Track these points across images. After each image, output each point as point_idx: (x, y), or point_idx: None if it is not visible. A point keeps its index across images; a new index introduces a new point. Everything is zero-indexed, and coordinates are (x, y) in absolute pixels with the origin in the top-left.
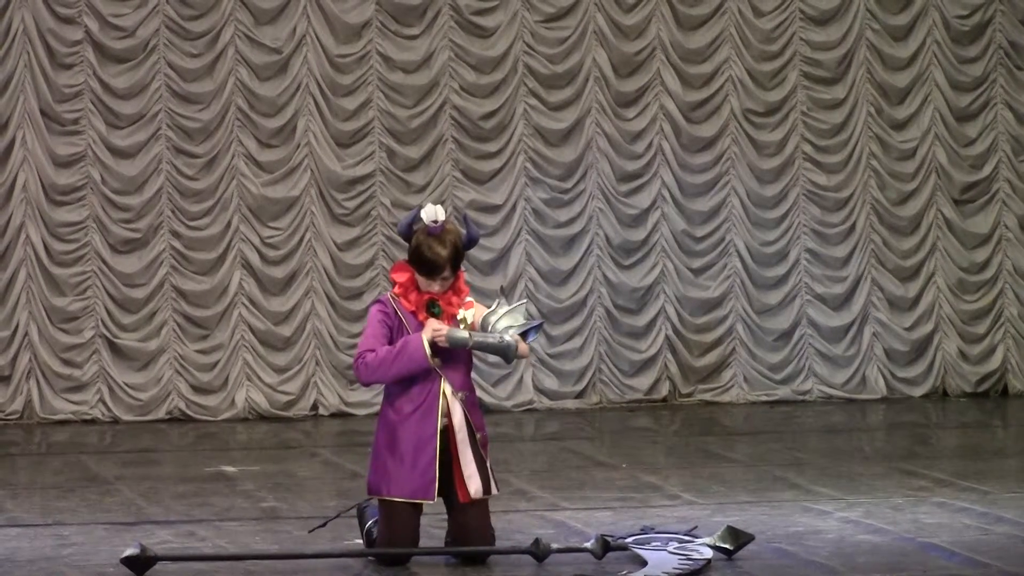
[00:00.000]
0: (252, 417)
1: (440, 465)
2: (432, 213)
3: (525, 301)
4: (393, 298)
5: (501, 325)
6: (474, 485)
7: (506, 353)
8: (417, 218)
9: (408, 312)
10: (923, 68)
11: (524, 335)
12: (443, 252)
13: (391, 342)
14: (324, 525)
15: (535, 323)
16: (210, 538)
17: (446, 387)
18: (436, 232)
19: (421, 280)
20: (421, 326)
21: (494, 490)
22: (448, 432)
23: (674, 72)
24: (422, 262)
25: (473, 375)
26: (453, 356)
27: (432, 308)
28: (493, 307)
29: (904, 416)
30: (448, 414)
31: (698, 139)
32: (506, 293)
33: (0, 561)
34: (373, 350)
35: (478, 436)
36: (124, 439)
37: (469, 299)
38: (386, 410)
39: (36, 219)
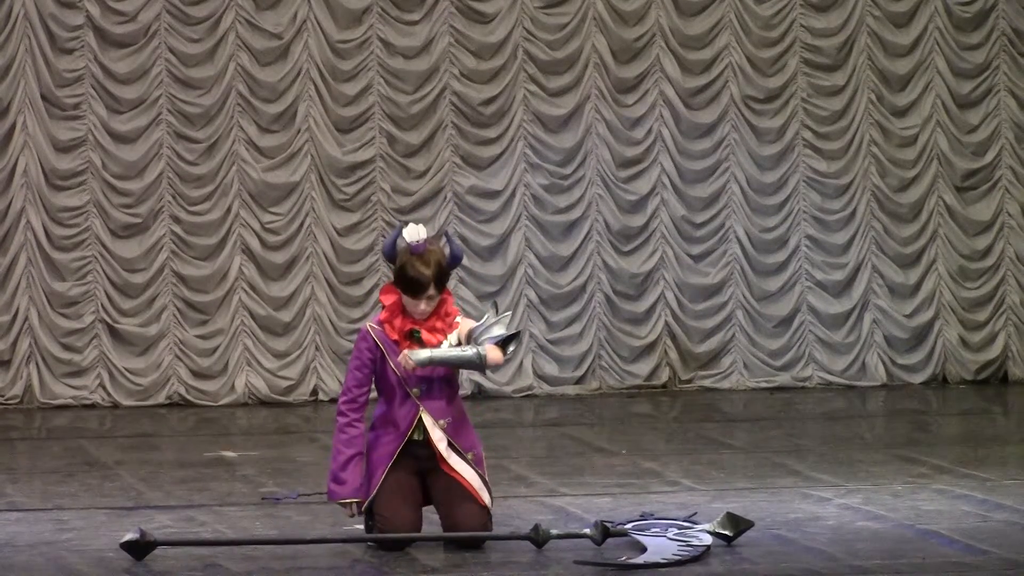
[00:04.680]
0: (252, 402)
1: (422, 487)
2: (414, 233)
3: (508, 313)
4: (376, 327)
5: (483, 339)
6: (456, 463)
7: (473, 364)
8: (400, 238)
9: (391, 341)
10: (924, 55)
11: (504, 344)
12: (426, 271)
13: (375, 373)
14: (278, 501)
15: (510, 333)
16: (210, 523)
17: (426, 417)
18: (419, 251)
19: (408, 301)
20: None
21: (486, 499)
22: (434, 455)
23: (674, 58)
24: (406, 282)
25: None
26: (434, 386)
27: (413, 336)
28: (481, 321)
29: (904, 403)
30: (428, 441)
31: (698, 125)
32: (497, 307)
33: (0, 545)
34: (349, 402)
35: (469, 456)
36: (124, 424)
37: (457, 319)
38: (375, 422)
39: (37, 204)
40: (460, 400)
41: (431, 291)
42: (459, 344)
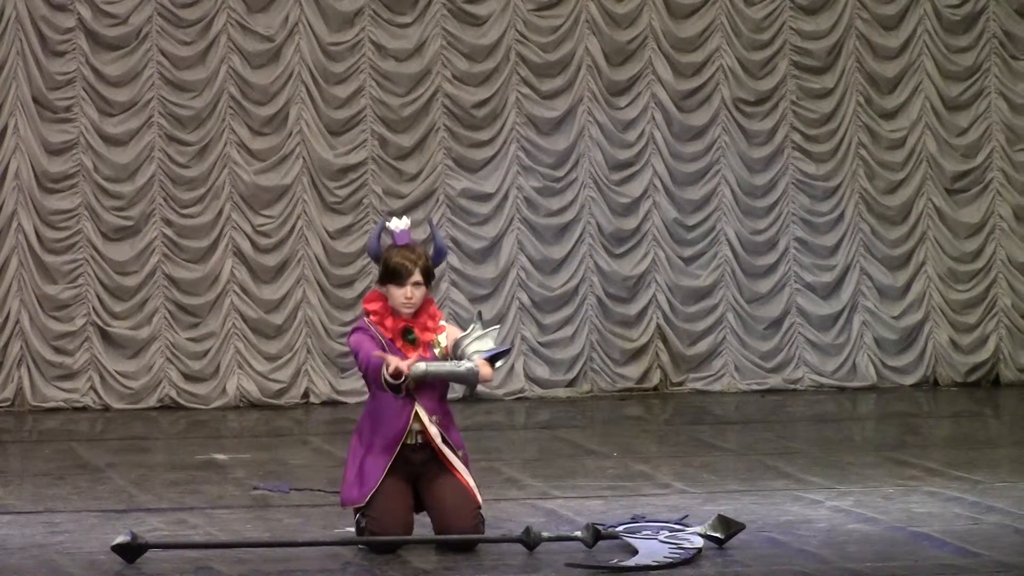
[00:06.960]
0: (243, 405)
1: (415, 486)
2: (397, 224)
3: (497, 327)
4: (371, 325)
5: (471, 350)
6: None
7: (466, 380)
8: (384, 230)
9: (387, 340)
10: (913, 57)
11: (492, 360)
12: (411, 256)
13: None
14: (270, 492)
15: (501, 349)
16: (201, 526)
17: (422, 412)
18: (403, 241)
19: (395, 294)
20: (399, 352)
21: (479, 497)
22: (432, 450)
23: (666, 61)
24: (391, 269)
25: None
26: (426, 382)
27: (407, 335)
28: (467, 331)
29: (895, 405)
30: (425, 436)
31: (689, 128)
32: (482, 317)
33: None
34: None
35: (459, 453)
36: (115, 427)
37: (442, 323)
38: (362, 421)
39: (28, 207)
40: (447, 402)
41: (416, 276)
42: (447, 352)
